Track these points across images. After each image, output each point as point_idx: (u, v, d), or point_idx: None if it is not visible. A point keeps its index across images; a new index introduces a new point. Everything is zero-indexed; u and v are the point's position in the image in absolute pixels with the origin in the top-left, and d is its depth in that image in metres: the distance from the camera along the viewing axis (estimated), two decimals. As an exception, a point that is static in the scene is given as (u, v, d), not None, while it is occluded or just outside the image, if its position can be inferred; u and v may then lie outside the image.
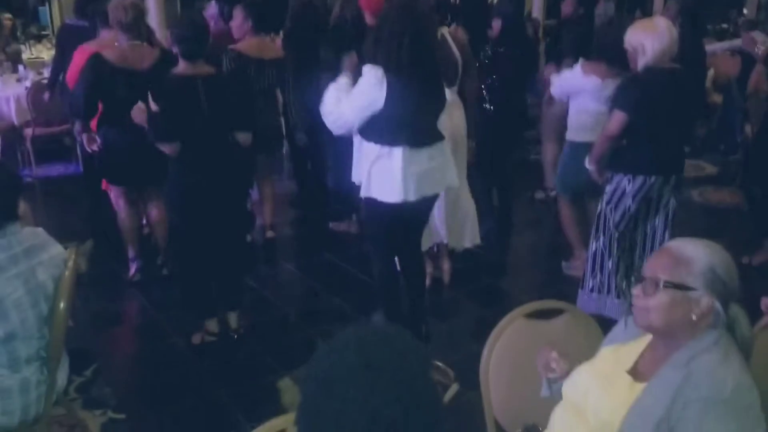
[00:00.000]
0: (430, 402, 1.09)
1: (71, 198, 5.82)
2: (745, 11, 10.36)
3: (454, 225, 4.20)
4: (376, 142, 3.09)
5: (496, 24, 4.74)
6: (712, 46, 7.18)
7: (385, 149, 3.07)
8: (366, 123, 3.08)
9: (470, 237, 4.29)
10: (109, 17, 3.97)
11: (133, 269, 4.36)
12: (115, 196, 4.30)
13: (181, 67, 3.41)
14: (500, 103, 4.66)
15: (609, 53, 3.90)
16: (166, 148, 3.36)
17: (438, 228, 4.12)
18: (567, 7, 5.95)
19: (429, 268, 4.23)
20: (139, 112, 3.41)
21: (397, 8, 2.99)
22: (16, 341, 2.29)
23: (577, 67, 4.10)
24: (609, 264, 3.69)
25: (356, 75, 3.10)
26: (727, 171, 6.37)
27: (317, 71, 4.70)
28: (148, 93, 3.32)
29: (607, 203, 3.59)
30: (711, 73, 7.53)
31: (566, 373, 1.84)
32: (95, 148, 4.03)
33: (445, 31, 3.97)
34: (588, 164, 3.65)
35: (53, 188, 6.13)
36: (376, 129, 3.06)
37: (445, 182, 3.31)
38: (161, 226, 4.31)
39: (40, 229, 2.47)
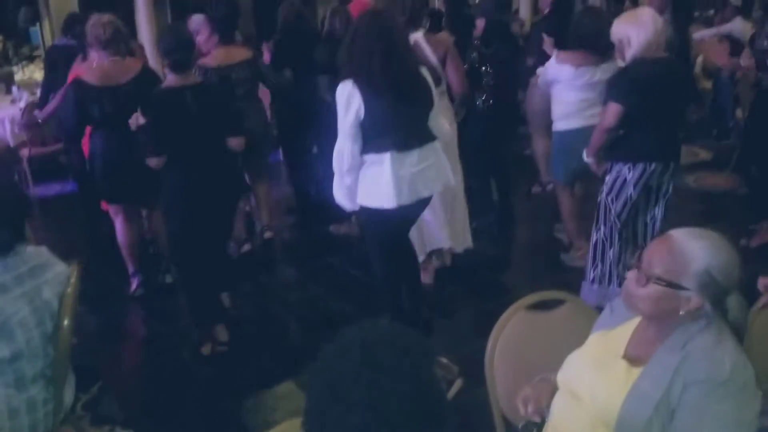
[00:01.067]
0: (435, 398, 1.11)
1: (69, 216, 5.82)
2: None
3: (455, 226, 4.24)
4: (363, 152, 3.12)
5: (480, 23, 4.80)
6: (700, 33, 7.19)
7: (373, 156, 3.11)
8: None
9: (463, 240, 4.35)
10: (88, 35, 4.01)
11: (134, 284, 4.37)
12: (114, 213, 4.32)
13: (170, 79, 3.47)
14: (492, 100, 4.68)
15: (585, 41, 3.98)
16: (152, 162, 3.42)
17: (437, 233, 4.15)
18: (543, 3, 5.95)
19: (436, 264, 4.31)
20: (135, 120, 3.50)
21: (366, 22, 3.08)
22: (22, 361, 2.29)
23: (553, 58, 4.18)
24: (610, 254, 3.71)
25: None
26: (721, 156, 6.38)
27: (311, 78, 4.74)
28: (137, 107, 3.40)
29: (608, 193, 3.60)
30: (700, 59, 7.56)
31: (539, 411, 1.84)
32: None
33: (418, 36, 3.95)
34: (586, 156, 3.68)
35: (51, 207, 6.15)
36: (364, 138, 3.09)
37: (440, 182, 3.31)
38: (164, 233, 4.24)
39: (43, 248, 2.48)
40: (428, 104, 3.23)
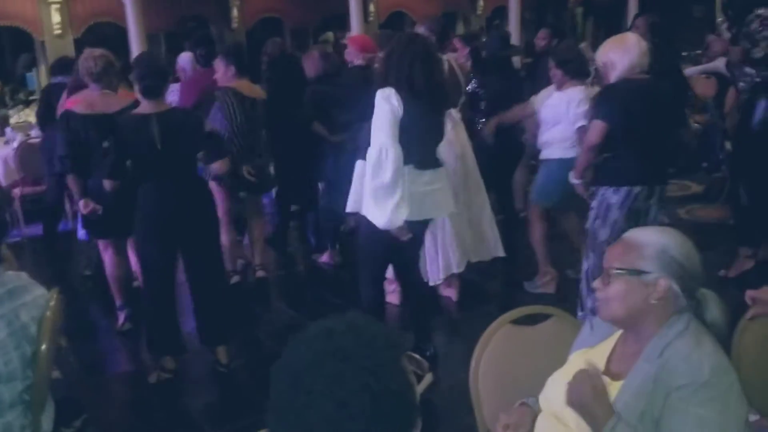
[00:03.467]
0: (401, 390, 1.07)
1: (60, 254, 5.80)
2: (719, 35, 10.59)
3: (474, 238, 4.41)
4: None
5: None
6: (689, 70, 7.33)
7: None
8: (364, 143, 3.19)
9: (493, 248, 4.49)
10: (80, 68, 4.05)
11: (121, 318, 4.31)
12: (103, 246, 4.31)
13: (141, 106, 3.49)
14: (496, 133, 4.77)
15: (566, 66, 4.12)
16: (106, 184, 3.49)
17: (450, 259, 4.25)
18: (540, 40, 6.07)
19: (448, 292, 4.42)
20: (84, 206, 3.67)
21: (403, 39, 3.26)
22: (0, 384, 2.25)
23: (555, 87, 4.30)
24: None
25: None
26: (713, 188, 6.42)
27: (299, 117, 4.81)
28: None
29: (595, 219, 3.59)
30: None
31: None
32: (89, 210, 3.99)
33: (450, 57, 4.29)
34: (572, 178, 3.69)
35: (42, 246, 6.10)
36: None
37: (443, 209, 3.40)
38: None
39: (23, 273, 2.46)
40: (442, 134, 3.38)
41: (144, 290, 3.83)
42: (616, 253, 1.66)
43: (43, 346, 2.32)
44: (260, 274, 4.95)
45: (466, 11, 12.42)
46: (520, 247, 4.85)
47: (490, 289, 4.68)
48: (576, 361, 1.79)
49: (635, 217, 3.56)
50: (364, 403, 1.01)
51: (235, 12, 10.29)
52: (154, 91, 3.46)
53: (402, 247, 3.30)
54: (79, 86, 4.40)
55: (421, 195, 3.21)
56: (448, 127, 4.15)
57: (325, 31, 10.71)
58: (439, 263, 4.26)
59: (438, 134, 3.35)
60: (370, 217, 3.18)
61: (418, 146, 3.16)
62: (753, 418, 1.75)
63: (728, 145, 6.56)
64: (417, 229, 3.31)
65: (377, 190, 3.07)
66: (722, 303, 1.65)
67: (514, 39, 8.98)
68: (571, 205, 4.20)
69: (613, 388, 1.62)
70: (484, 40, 5.96)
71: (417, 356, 3.33)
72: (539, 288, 4.45)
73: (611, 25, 10.86)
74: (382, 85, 3.12)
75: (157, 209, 3.47)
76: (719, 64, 7.09)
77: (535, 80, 5.37)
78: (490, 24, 12.00)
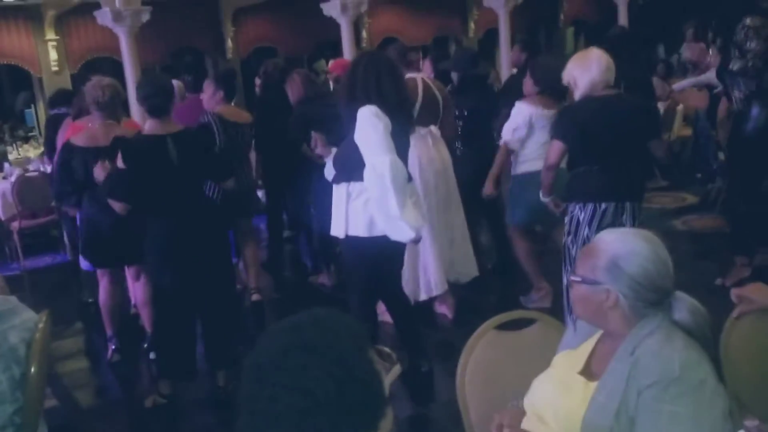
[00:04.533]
0: (367, 379, 1.08)
1: (59, 287, 5.81)
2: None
3: (457, 257, 4.43)
4: (355, 180, 3.17)
5: (455, 76, 4.98)
6: (680, 84, 7.40)
7: (360, 186, 3.16)
8: (340, 165, 3.19)
9: (469, 269, 4.51)
10: (86, 96, 4.02)
11: (110, 350, 4.26)
12: (100, 275, 4.28)
13: (149, 126, 3.46)
14: (472, 148, 4.79)
15: (545, 85, 4.12)
16: (116, 206, 3.40)
17: (430, 280, 4.27)
18: (515, 56, 6.06)
19: (442, 309, 4.43)
20: (101, 170, 3.45)
21: (366, 55, 3.28)
22: (-10, 407, 2.26)
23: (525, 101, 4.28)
24: None
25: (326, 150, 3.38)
26: (708, 198, 6.43)
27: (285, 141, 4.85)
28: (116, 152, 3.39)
29: (568, 234, 3.56)
30: (681, 107, 7.73)
31: None
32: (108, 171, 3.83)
33: (423, 75, 4.31)
34: (542, 197, 3.69)
35: (41, 278, 6.12)
36: (352, 167, 3.14)
37: (418, 221, 3.32)
38: (148, 308, 4.13)
39: (12, 297, 2.48)
40: (407, 148, 3.36)
41: (156, 317, 3.79)
42: (581, 259, 1.70)
43: (33, 369, 2.34)
44: (256, 297, 4.95)
45: (458, 34, 12.56)
46: (516, 262, 4.85)
47: (486, 304, 4.65)
48: (559, 363, 1.81)
49: None
50: (329, 392, 1.03)
51: (229, 42, 10.40)
52: (162, 109, 3.44)
53: (385, 264, 3.33)
54: (82, 112, 4.45)
55: None
56: (429, 143, 4.20)
57: (319, 59, 10.83)
58: (420, 283, 4.30)
59: (407, 148, 3.36)
60: (395, 237, 3.17)
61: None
62: (752, 423, 1.73)
63: (721, 156, 6.60)
64: (398, 245, 3.31)
65: (396, 201, 3.05)
66: (696, 306, 1.63)
67: (504, 61, 9.08)
68: (552, 220, 4.11)
69: (589, 388, 1.63)
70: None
71: (386, 349, 3.31)
72: (535, 303, 4.43)
73: (602, 44, 10.96)
74: (350, 101, 3.12)
75: (173, 233, 3.41)
76: (711, 76, 7.15)
77: (510, 96, 5.35)
78: (480, 46, 12.12)
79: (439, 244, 4.31)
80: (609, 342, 1.67)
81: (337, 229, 3.34)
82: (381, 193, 3.06)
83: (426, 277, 4.31)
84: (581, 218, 3.47)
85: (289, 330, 1.09)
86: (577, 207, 3.48)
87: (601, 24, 12.01)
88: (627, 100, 3.56)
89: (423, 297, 4.35)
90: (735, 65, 4.41)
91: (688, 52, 7.87)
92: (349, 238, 3.26)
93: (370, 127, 3.03)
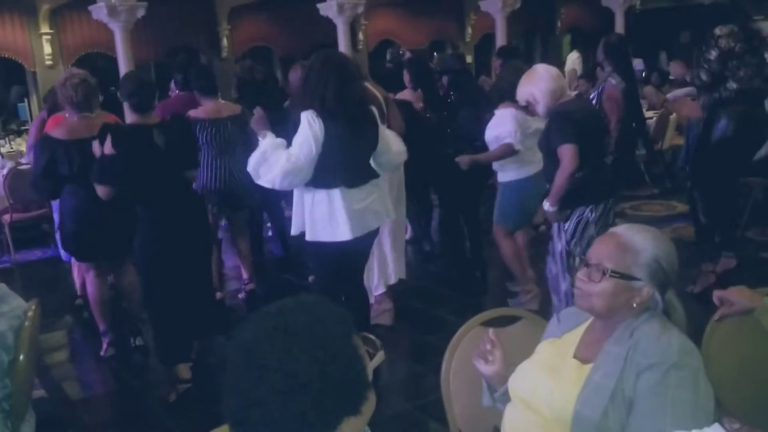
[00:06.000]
0: (350, 363, 1.11)
1: (50, 281, 5.81)
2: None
3: (398, 257, 4.50)
4: (314, 186, 3.22)
5: (444, 80, 5.01)
6: (673, 93, 7.47)
7: (321, 194, 3.22)
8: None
9: (399, 270, 4.53)
10: (59, 95, 3.93)
11: (104, 345, 4.22)
12: (85, 270, 4.24)
13: (133, 120, 3.59)
14: (460, 152, 4.79)
15: (507, 95, 4.13)
16: (101, 190, 3.46)
17: (391, 268, 4.38)
18: (495, 63, 6.06)
19: (388, 305, 4.41)
20: (98, 149, 3.49)
21: (320, 59, 3.25)
22: (-23, 394, 2.27)
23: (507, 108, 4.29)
24: None
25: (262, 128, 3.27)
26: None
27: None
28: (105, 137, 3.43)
29: (570, 239, 3.54)
30: (674, 117, 7.80)
31: (500, 370, 1.85)
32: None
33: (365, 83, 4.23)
34: (549, 206, 3.53)
35: (32, 272, 6.12)
36: (313, 174, 3.17)
37: (383, 215, 3.48)
38: (134, 295, 4.15)
39: (2, 285, 2.49)
40: (375, 142, 3.38)
41: (150, 306, 3.81)
42: (610, 252, 1.68)
43: (21, 356, 2.35)
44: (250, 287, 5.01)
45: (454, 39, 12.62)
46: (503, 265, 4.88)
47: (475, 306, 4.67)
48: (544, 349, 1.84)
49: (604, 231, 3.54)
50: (313, 374, 1.05)
51: (224, 41, 10.44)
52: (146, 106, 3.61)
53: (349, 260, 3.38)
54: (56, 107, 4.50)
55: (361, 212, 3.28)
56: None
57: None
58: (375, 275, 4.35)
59: (368, 147, 3.36)
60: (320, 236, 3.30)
61: (346, 166, 3.21)
62: (732, 426, 1.75)
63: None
64: (364, 242, 3.39)
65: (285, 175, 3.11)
66: (681, 307, 1.74)
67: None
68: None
69: (583, 370, 1.67)
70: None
71: (370, 336, 3.32)
72: (524, 305, 4.43)
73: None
74: (303, 105, 3.18)
75: (159, 218, 3.52)
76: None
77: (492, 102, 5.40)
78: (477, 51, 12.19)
79: (395, 236, 4.42)
80: (600, 329, 1.71)
81: (297, 227, 3.41)
82: (263, 169, 3.15)
83: (383, 267, 4.40)
84: (591, 218, 3.48)
85: (274, 314, 1.12)
86: (588, 209, 3.47)
87: (597, 32, 12.10)
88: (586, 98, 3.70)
89: (382, 289, 4.39)
90: (701, 74, 4.48)
91: (673, 68, 8.06)
92: (315, 242, 3.31)
93: (301, 129, 3.14)
